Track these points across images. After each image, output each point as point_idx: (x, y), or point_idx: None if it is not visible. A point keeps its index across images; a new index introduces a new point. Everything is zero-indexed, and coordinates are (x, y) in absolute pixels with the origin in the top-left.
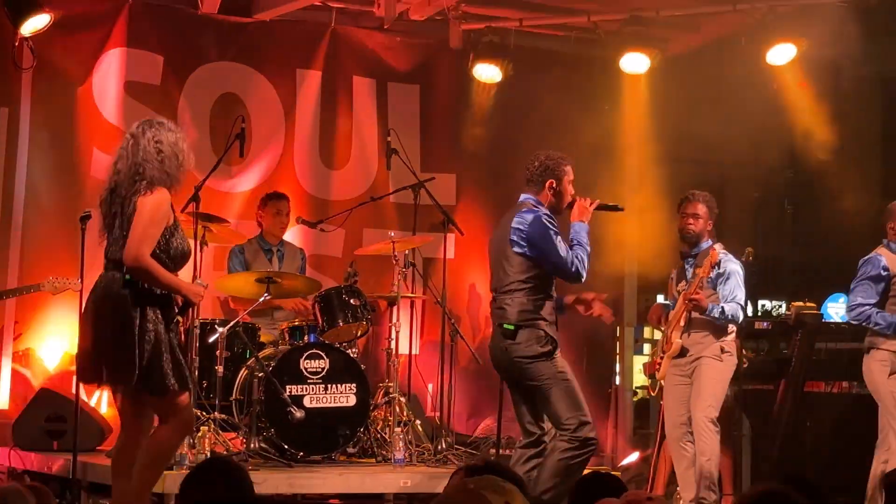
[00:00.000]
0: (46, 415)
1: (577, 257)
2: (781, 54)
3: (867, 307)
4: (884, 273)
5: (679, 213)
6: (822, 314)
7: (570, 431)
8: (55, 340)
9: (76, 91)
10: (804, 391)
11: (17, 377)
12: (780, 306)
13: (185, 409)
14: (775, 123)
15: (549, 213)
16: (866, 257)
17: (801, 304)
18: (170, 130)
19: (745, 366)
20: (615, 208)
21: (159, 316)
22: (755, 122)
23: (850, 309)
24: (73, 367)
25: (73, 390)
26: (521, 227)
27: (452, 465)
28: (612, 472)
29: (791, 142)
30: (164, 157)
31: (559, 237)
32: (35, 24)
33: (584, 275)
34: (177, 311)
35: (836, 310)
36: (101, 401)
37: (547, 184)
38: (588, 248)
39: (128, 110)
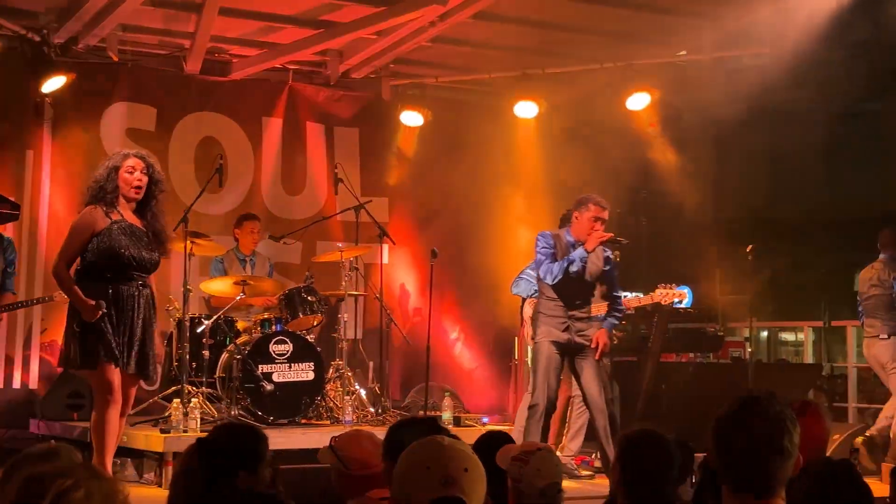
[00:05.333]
0: (68, 392)
1: (550, 267)
2: (638, 101)
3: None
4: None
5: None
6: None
7: None
8: None
9: (87, 136)
10: (660, 361)
11: (43, 363)
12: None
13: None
14: (632, 155)
15: (549, 233)
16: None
17: None
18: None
19: (615, 342)
20: (619, 242)
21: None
22: (617, 154)
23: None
24: None
25: None
26: None
27: (390, 423)
28: (504, 430)
29: (645, 169)
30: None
31: (546, 249)
32: (53, 84)
33: (549, 280)
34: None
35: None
36: None
37: (573, 216)
38: (564, 264)
39: None
